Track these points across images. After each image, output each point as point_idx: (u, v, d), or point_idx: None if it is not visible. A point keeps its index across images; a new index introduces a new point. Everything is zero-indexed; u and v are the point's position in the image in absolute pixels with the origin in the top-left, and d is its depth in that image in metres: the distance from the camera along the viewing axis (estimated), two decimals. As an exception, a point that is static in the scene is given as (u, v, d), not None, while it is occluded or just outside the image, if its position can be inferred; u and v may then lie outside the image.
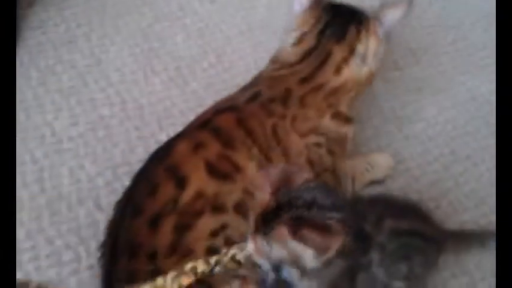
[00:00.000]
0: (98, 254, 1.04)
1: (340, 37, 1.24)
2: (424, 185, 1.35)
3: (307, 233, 0.77)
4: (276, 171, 0.85)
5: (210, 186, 1.02)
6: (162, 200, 1.00)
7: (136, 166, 1.18)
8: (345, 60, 1.23)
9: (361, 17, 1.26)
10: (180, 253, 0.96)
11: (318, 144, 1.17)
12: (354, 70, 1.23)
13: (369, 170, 1.31)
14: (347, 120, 1.23)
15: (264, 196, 0.82)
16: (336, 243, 0.78)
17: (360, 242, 0.88)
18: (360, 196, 1.19)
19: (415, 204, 1.12)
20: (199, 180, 1.02)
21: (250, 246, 0.82)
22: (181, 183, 1.01)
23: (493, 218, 1.29)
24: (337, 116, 1.21)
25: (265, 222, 0.81)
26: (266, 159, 1.10)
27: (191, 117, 1.34)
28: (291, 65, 1.24)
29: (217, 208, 1.01)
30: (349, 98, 1.23)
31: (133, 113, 1.36)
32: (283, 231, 0.78)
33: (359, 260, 0.90)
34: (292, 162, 1.11)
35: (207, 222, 0.99)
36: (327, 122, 1.19)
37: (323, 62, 1.23)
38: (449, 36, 1.70)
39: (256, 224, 0.82)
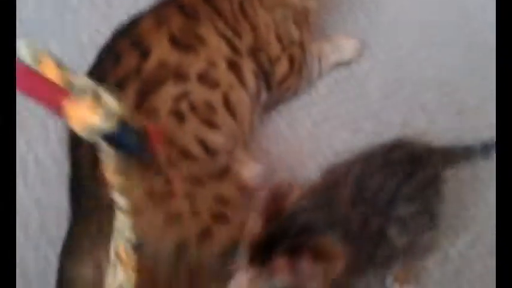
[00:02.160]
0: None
1: None
2: (389, 68, 1.38)
3: (306, 265, 0.73)
4: (265, 194, 0.79)
5: (173, 57, 1.04)
6: (125, 69, 1.02)
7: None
8: None
9: None
10: (144, 112, 0.98)
11: (285, 17, 1.19)
12: None
13: (335, 52, 1.33)
14: None
15: (256, 224, 0.77)
16: (338, 266, 0.74)
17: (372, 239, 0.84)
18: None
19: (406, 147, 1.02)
20: (162, 51, 1.04)
21: (249, 274, 0.77)
22: (144, 53, 1.03)
23: (455, 96, 1.34)
24: None
25: (261, 252, 0.76)
26: (234, 33, 1.11)
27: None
28: None
29: (180, 76, 1.03)
30: None
31: (101, 2, 1.36)
32: (282, 264, 0.74)
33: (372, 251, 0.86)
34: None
35: (169, 89, 1.01)
36: None
37: None
38: None
39: (251, 254, 0.76)
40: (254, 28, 1.15)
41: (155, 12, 1.11)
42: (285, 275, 0.74)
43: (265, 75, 1.17)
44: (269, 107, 1.24)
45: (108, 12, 1.35)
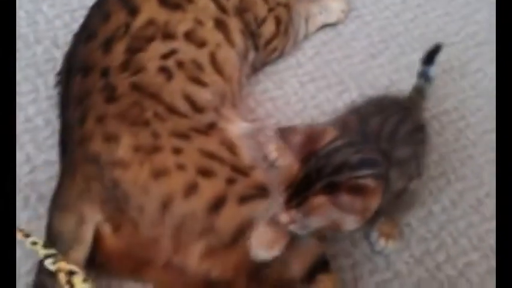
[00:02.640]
0: (55, 83, 1.09)
1: None
2: (375, 29, 1.40)
3: (346, 199, 0.73)
4: (298, 137, 0.79)
5: (161, 15, 1.05)
6: (114, 26, 1.03)
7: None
8: None
9: None
10: (132, 69, 1.00)
11: None
12: None
13: (322, 13, 1.35)
14: None
15: (290, 166, 0.78)
16: (375, 202, 0.74)
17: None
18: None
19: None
20: (150, 9, 1.05)
21: (284, 218, 0.78)
22: (133, 11, 1.04)
23: (440, 57, 1.34)
24: None
25: (297, 193, 0.77)
26: None
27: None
28: None
29: (168, 35, 1.04)
30: None
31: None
32: (321, 201, 0.74)
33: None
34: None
35: (157, 47, 1.03)
36: None
37: None
38: None
39: (288, 195, 0.77)
40: None
41: None
42: (324, 212, 0.75)
43: (252, 35, 1.18)
44: (256, 68, 1.26)
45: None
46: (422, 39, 1.39)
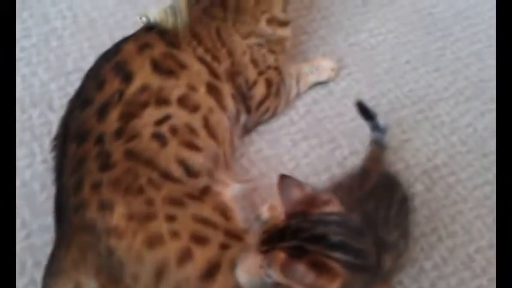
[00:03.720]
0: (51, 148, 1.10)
1: None
2: (365, 86, 1.42)
3: (301, 269, 0.72)
4: (299, 193, 0.79)
5: (155, 81, 1.07)
6: (108, 92, 1.05)
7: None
8: None
9: None
10: (126, 136, 1.01)
11: (260, 45, 1.23)
12: None
13: (313, 72, 1.38)
14: (283, 24, 1.28)
15: (277, 214, 0.79)
16: (333, 285, 0.73)
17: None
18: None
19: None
20: (144, 75, 1.07)
21: (250, 259, 0.79)
22: (127, 77, 1.07)
23: (430, 113, 1.39)
24: (272, 21, 1.25)
25: (269, 241, 0.77)
26: (213, 58, 1.15)
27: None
28: None
29: (162, 100, 1.06)
30: (281, 2, 1.26)
31: (85, 25, 1.40)
32: (279, 258, 0.74)
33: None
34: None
35: (151, 113, 1.05)
36: (264, 27, 1.24)
37: None
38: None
39: (261, 239, 0.78)
40: (231, 53, 1.19)
41: (137, 38, 1.15)
42: (278, 269, 0.74)
43: (243, 98, 1.21)
44: (249, 129, 1.28)
45: (92, 35, 1.39)
46: (413, 95, 1.42)
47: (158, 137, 1.02)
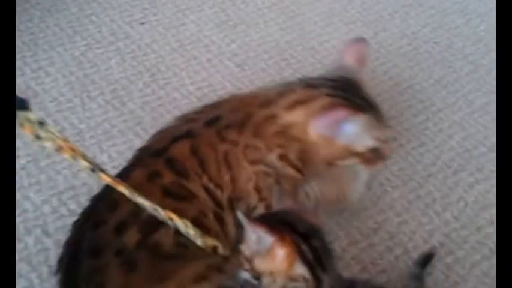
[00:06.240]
0: (53, 277, 1.07)
1: (311, 86, 1.24)
2: (355, 172, 1.44)
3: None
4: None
5: (168, 204, 1.05)
6: (124, 212, 1.04)
7: (81, 190, 1.27)
8: (303, 103, 1.21)
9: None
10: (148, 247, 1.01)
11: (267, 173, 1.20)
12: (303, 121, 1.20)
13: None
14: (295, 168, 1.22)
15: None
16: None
17: None
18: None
19: None
20: (156, 199, 1.05)
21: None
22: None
23: (421, 191, 1.41)
24: (285, 159, 1.21)
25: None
26: (215, 186, 1.14)
27: (131, 136, 1.43)
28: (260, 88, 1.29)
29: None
30: (296, 150, 1.20)
31: (72, 139, 1.40)
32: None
33: None
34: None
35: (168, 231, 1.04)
36: (274, 160, 1.20)
37: (282, 94, 1.23)
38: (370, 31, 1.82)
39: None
40: (234, 179, 1.17)
41: (144, 166, 1.14)
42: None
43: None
44: None
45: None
46: (402, 174, 1.44)
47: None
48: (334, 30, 1.82)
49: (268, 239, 0.84)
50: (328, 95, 1.20)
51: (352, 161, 1.22)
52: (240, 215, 0.88)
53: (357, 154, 1.20)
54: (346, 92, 1.21)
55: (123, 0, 1.85)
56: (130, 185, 1.06)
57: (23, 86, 1.52)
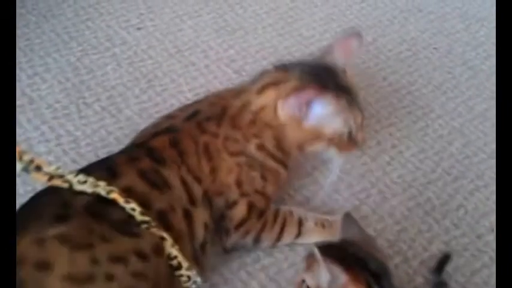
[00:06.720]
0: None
1: (283, 69, 1.25)
2: (355, 178, 1.43)
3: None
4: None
5: (140, 186, 1.05)
6: None
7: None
8: (274, 85, 1.22)
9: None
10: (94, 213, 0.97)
11: (251, 166, 1.20)
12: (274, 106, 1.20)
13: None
14: (275, 158, 1.23)
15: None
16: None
17: None
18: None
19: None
20: (130, 179, 1.05)
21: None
22: (114, 175, 1.04)
23: (420, 199, 1.39)
24: (263, 149, 1.21)
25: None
26: (193, 178, 1.13)
27: (127, 143, 1.41)
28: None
29: (143, 206, 1.02)
30: (271, 137, 1.21)
31: (68, 146, 1.40)
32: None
33: None
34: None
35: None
36: (253, 151, 1.20)
37: (255, 80, 1.26)
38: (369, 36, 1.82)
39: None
40: (214, 171, 1.16)
41: (126, 152, 1.15)
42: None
43: (219, 222, 1.17)
44: (228, 250, 1.23)
45: (78, 159, 1.39)
46: (401, 182, 1.43)
47: None
48: (332, 36, 1.81)
49: (342, 277, 0.85)
50: (300, 77, 1.21)
51: (323, 146, 1.23)
52: (315, 251, 0.86)
53: (327, 139, 1.21)
54: (320, 76, 1.21)
55: (119, 5, 1.85)
56: (110, 166, 1.08)
57: (18, 93, 1.51)
